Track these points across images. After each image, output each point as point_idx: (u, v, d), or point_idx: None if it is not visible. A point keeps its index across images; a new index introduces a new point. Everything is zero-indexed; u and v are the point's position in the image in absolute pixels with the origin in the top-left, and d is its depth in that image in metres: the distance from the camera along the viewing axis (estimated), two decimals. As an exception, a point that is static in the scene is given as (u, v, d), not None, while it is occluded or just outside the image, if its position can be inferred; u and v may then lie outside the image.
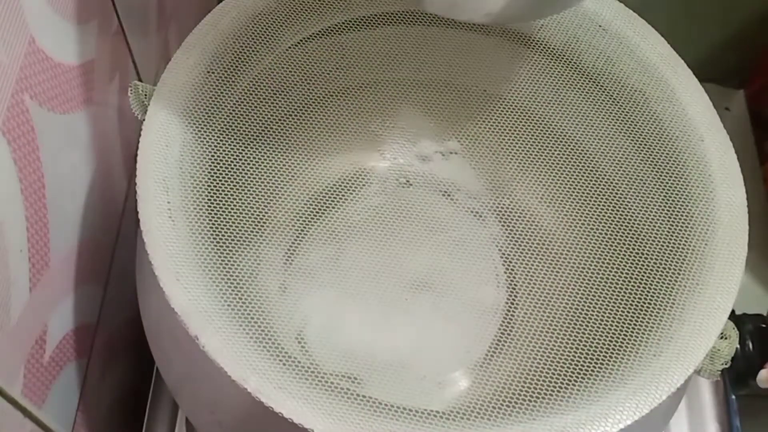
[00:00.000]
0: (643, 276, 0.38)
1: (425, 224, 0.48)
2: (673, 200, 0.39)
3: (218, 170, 0.40)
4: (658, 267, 0.37)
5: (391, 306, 0.46)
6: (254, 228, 0.45)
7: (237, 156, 0.42)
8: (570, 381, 0.34)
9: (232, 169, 0.41)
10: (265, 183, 0.46)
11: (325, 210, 0.48)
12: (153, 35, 0.52)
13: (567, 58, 0.44)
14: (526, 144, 0.48)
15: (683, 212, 0.38)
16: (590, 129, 0.44)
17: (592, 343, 0.36)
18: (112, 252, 0.46)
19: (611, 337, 0.36)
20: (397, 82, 0.48)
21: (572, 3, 0.37)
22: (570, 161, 0.46)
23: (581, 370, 0.35)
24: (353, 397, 0.31)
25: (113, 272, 0.46)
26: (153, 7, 0.51)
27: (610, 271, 0.41)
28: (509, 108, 0.47)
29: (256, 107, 0.43)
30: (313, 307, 0.45)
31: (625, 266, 0.41)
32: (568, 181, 0.46)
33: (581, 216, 0.44)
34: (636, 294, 0.38)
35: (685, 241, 0.37)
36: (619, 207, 0.43)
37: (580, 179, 0.45)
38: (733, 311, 0.35)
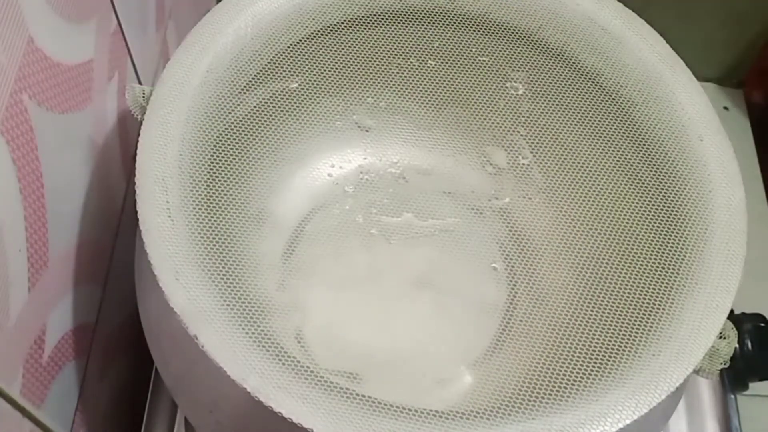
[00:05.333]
0: (642, 275, 0.38)
1: (425, 222, 0.48)
2: (672, 199, 0.39)
3: (217, 169, 0.40)
4: (658, 266, 0.37)
5: (391, 303, 0.46)
6: (253, 226, 0.45)
7: (235, 155, 0.42)
8: (569, 380, 0.34)
9: (231, 167, 0.41)
10: (263, 181, 0.47)
11: (323, 207, 0.48)
12: (152, 34, 0.52)
13: (566, 58, 0.44)
14: (526, 142, 0.48)
15: (682, 212, 0.38)
16: (589, 128, 0.44)
17: (592, 342, 0.36)
18: (111, 251, 0.46)
19: (611, 336, 0.36)
20: (397, 81, 0.48)
21: None
22: (570, 160, 0.46)
23: (581, 369, 0.35)
24: (353, 396, 0.31)
25: (112, 272, 0.46)
26: (152, 7, 0.51)
27: (610, 270, 0.41)
28: (509, 107, 0.47)
29: (254, 106, 0.43)
30: (311, 306, 0.45)
31: (625, 265, 0.41)
32: (568, 179, 0.46)
33: (581, 214, 0.44)
34: (635, 293, 0.38)
35: (684, 241, 0.37)
36: (619, 206, 0.43)
37: (580, 178, 0.45)
38: (732, 311, 0.35)
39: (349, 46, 0.45)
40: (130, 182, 0.49)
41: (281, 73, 0.44)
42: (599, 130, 0.44)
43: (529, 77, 0.46)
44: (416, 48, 0.46)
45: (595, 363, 0.35)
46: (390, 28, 0.45)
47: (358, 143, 0.50)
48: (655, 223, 0.40)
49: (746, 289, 0.37)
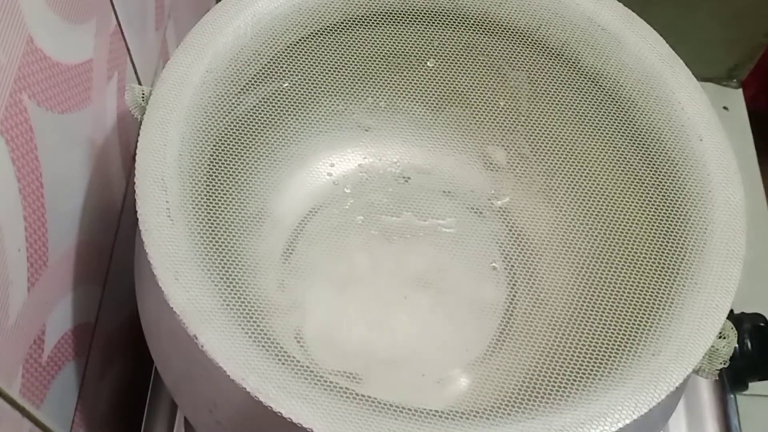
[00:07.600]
0: (642, 275, 0.38)
1: (425, 221, 0.48)
2: (671, 199, 0.39)
3: (217, 169, 0.40)
4: (657, 266, 0.37)
5: (390, 303, 0.46)
6: (252, 226, 0.45)
7: (235, 155, 0.42)
8: (569, 380, 0.34)
9: (231, 167, 0.41)
10: (263, 181, 0.47)
11: (323, 207, 0.48)
12: (151, 34, 0.52)
13: (566, 58, 0.44)
14: (526, 142, 0.48)
15: (682, 211, 0.38)
16: (589, 128, 0.44)
17: (592, 341, 0.36)
18: (110, 251, 0.46)
19: (610, 336, 0.36)
20: (397, 81, 0.48)
21: None
22: (569, 160, 0.46)
23: (580, 368, 0.35)
24: (352, 396, 0.31)
25: (112, 272, 0.46)
26: (151, 6, 0.51)
27: (610, 270, 0.41)
28: (508, 106, 0.47)
29: (254, 106, 0.43)
30: (311, 306, 0.45)
31: (625, 265, 0.41)
32: (568, 179, 0.46)
33: (581, 214, 0.44)
34: (635, 293, 0.38)
35: (684, 240, 0.37)
36: (619, 206, 0.43)
37: (580, 178, 0.45)
38: (732, 311, 0.35)
39: (349, 46, 0.45)
40: (130, 182, 0.49)
41: (281, 73, 0.44)
42: (599, 130, 0.44)
43: (529, 77, 0.46)
44: (416, 48, 0.46)
45: (595, 363, 0.35)
46: (390, 28, 0.45)
47: (358, 143, 0.50)
48: (654, 222, 0.40)
49: (746, 289, 0.37)
